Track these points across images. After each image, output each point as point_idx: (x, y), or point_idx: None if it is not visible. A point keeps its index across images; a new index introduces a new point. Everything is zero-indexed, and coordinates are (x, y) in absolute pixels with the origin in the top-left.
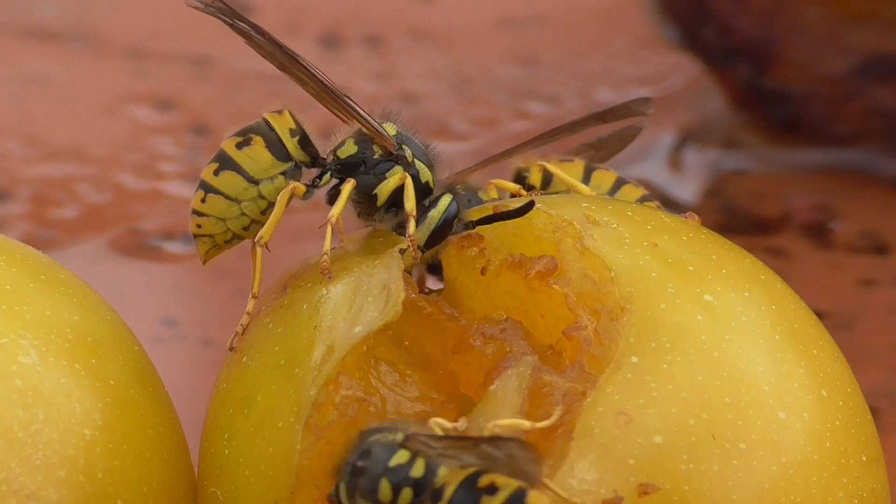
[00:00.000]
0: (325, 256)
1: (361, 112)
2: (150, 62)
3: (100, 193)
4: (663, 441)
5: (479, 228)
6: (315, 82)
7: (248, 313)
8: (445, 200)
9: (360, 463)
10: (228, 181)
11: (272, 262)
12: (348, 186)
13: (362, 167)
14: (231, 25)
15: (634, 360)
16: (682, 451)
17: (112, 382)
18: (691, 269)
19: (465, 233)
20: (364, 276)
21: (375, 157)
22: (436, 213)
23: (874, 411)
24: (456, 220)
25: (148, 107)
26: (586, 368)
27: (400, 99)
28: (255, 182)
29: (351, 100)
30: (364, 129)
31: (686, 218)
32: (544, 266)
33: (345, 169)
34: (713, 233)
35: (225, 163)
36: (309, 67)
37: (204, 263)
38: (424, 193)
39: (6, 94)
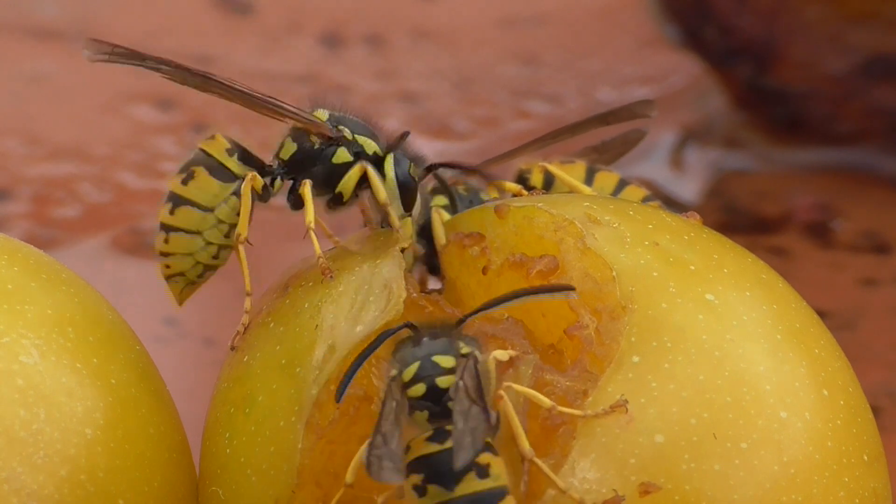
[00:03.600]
0: (321, 259)
1: (288, 107)
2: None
3: (101, 192)
4: (664, 440)
5: (480, 229)
6: (236, 93)
7: (246, 312)
8: (388, 163)
9: (423, 337)
10: (185, 217)
11: (273, 262)
12: (306, 188)
13: (307, 161)
14: (140, 65)
15: (636, 359)
16: (684, 450)
17: (113, 382)
18: (693, 268)
19: (469, 233)
20: (365, 275)
21: (316, 147)
22: (389, 180)
23: (875, 410)
24: (410, 169)
25: (149, 106)
26: (587, 367)
27: (401, 98)
28: (210, 210)
29: (276, 99)
30: (296, 124)
31: (687, 217)
32: (545, 265)
33: (292, 168)
34: (714, 232)
35: (176, 201)
36: (224, 81)
37: (180, 304)
38: (377, 164)
39: (7, 93)
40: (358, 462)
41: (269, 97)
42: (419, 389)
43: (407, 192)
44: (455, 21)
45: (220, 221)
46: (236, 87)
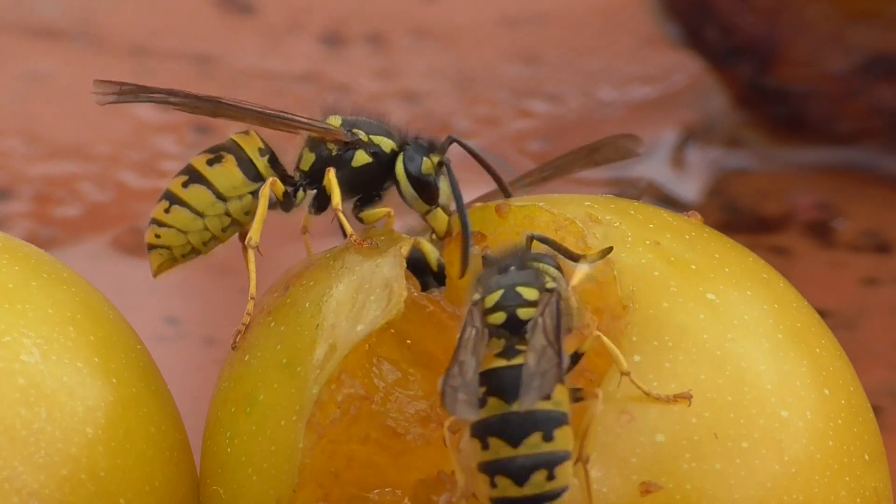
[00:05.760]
0: (354, 236)
1: (301, 119)
2: (152, 61)
3: (102, 192)
4: (665, 440)
5: (482, 228)
6: (248, 113)
7: (248, 313)
8: (399, 165)
9: (511, 266)
10: (197, 195)
11: (274, 262)
12: (331, 174)
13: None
14: (148, 100)
15: (637, 358)
16: (685, 449)
17: (114, 381)
18: (694, 267)
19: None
20: (366, 274)
21: (334, 154)
22: (402, 180)
23: (876, 410)
24: (423, 165)
25: (149, 105)
26: (589, 367)
27: (402, 97)
28: (224, 199)
29: (288, 113)
30: (311, 134)
31: (688, 217)
32: None
33: (314, 178)
34: (716, 231)
35: (195, 177)
36: (235, 104)
37: (155, 276)
38: (393, 160)
39: (9, 92)
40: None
41: (282, 112)
42: (499, 317)
43: (424, 187)
44: (456, 20)
45: (227, 214)
46: (248, 106)
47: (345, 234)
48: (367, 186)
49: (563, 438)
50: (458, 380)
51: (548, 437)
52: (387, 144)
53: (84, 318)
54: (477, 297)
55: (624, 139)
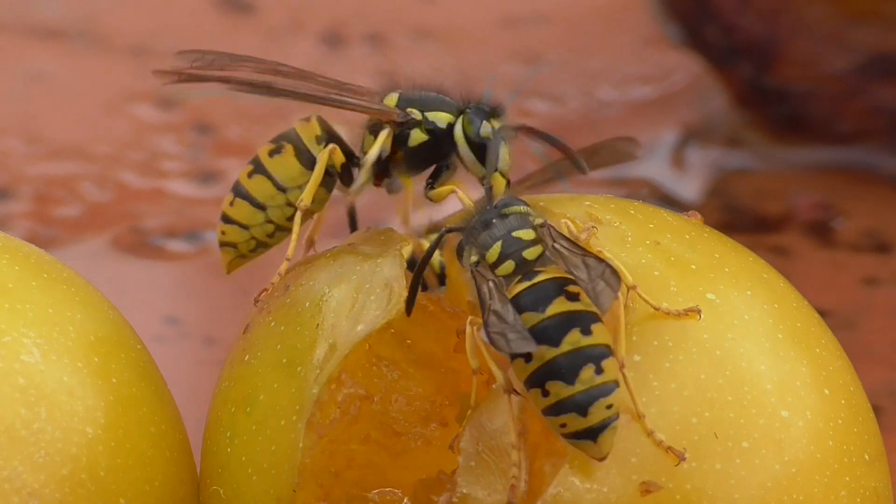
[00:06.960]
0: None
1: (354, 101)
2: (152, 60)
3: (102, 192)
4: (665, 440)
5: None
6: (300, 95)
7: (279, 273)
8: (458, 132)
9: (492, 219)
10: (258, 186)
11: (275, 261)
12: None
13: (388, 150)
14: (225, 82)
15: (637, 358)
16: (685, 449)
17: (114, 381)
18: (694, 267)
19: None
20: (366, 274)
21: (393, 133)
22: (461, 146)
23: (877, 410)
24: (481, 129)
25: (150, 105)
26: None
27: None
28: (283, 189)
29: (341, 94)
30: (369, 116)
31: (689, 216)
32: None
33: (377, 161)
34: (716, 231)
35: (258, 167)
36: (288, 88)
37: (228, 273)
38: (451, 134)
39: (9, 92)
40: (475, 345)
41: (335, 94)
42: (509, 266)
43: (483, 150)
44: (456, 20)
45: (288, 204)
46: (301, 90)
47: (353, 229)
48: (429, 163)
49: (601, 333)
50: (500, 325)
51: (586, 332)
52: (443, 119)
53: (84, 317)
54: (475, 258)
55: (622, 142)
